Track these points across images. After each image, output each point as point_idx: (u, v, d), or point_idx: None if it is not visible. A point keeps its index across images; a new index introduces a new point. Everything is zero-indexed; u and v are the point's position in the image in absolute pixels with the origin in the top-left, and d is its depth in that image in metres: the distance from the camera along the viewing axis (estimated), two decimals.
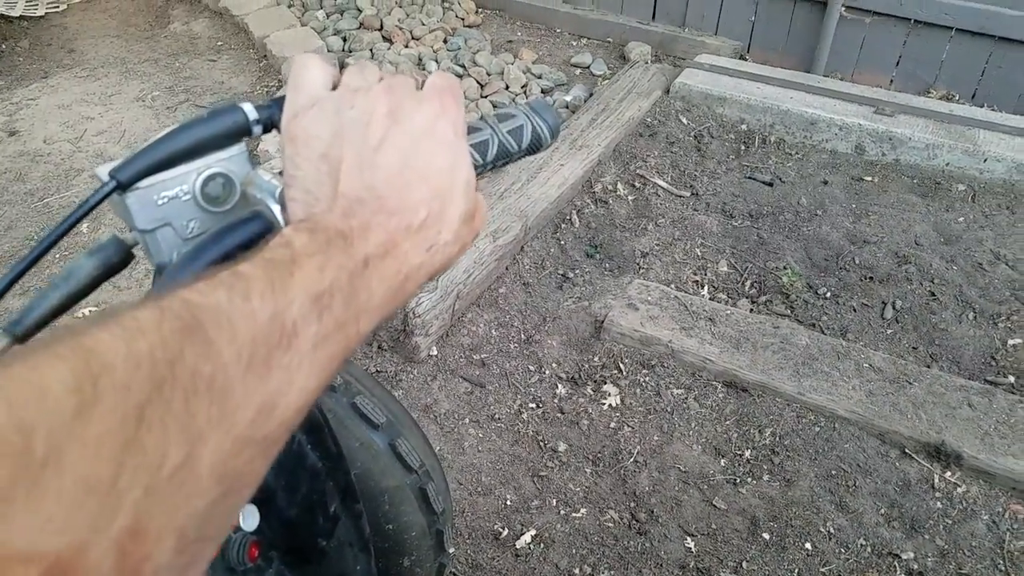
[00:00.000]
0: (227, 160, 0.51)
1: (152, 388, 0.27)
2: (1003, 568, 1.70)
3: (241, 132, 0.51)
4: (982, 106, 3.19)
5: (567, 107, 3.33)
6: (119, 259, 0.52)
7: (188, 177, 0.50)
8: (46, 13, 4.32)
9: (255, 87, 3.58)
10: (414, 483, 1.22)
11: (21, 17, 4.11)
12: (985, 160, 2.79)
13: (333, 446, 0.79)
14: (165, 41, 4.04)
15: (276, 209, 0.49)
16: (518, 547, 1.74)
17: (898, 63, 3.36)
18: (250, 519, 0.64)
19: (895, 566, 1.70)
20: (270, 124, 0.51)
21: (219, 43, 3.97)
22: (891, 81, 3.41)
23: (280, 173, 0.48)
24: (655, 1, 3.83)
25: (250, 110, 0.51)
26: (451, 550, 1.40)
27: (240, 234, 0.49)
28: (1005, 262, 2.47)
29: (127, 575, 0.25)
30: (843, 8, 3.29)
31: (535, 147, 0.65)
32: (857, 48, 3.40)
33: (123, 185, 0.47)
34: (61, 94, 3.51)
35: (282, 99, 0.49)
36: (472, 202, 0.47)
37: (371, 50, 3.71)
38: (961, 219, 2.66)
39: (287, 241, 0.37)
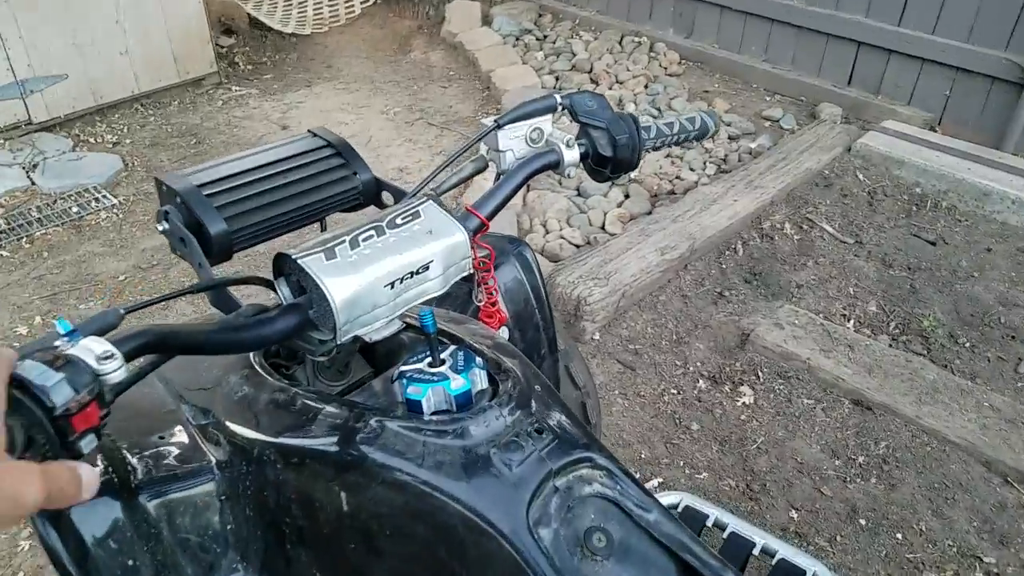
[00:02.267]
0: (541, 122, 1.06)
1: None
2: None
3: (551, 108, 1.06)
4: None
5: (750, 153, 3.82)
6: (484, 166, 1.07)
7: (522, 128, 1.05)
8: (312, 32, 5.40)
9: (477, 112, 4.36)
10: (578, 397, 1.77)
11: (292, 34, 5.20)
12: None
13: (548, 314, 1.36)
14: (406, 66, 4.96)
15: (563, 148, 1.03)
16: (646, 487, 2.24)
17: None
18: (505, 334, 1.16)
19: (976, 566, 2.03)
20: (570, 107, 1.06)
21: (451, 72, 4.83)
22: None
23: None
24: (852, 67, 4.24)
25: (557, 97, 1.06)
26: None
27: (544, 158, 1.03)
28: None
29: None
30: None
31: (703, 131, 1.20)
32: None
33: (500, 125, 1.03)
34: (322, 100, 4.48)
35: (576, 94, 1.07)
36: None
37: (579, 87, 4.39)
38: None
39: None
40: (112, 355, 0.63)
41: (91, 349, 0.63)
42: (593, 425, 1.81)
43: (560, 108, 1.07)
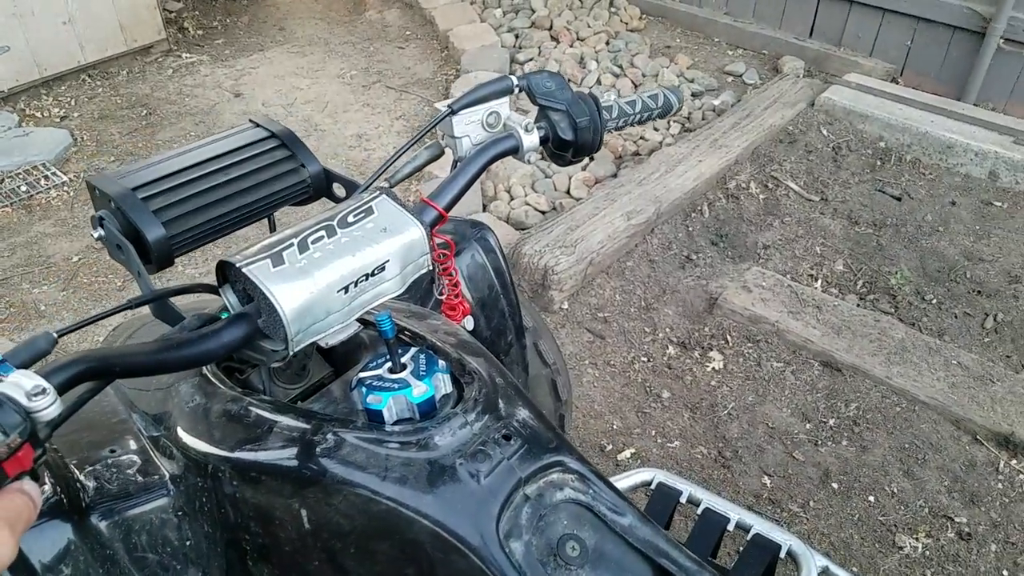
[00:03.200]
0: (497, 105, 1.00)
1: None
2: None
3: (507, 91, 0.99)
4: None
5: (714, 111, 3.73)
6: (439, 153, 1.00)
7: (478, 113, 0.99)
8: None
9: (436, 74, 4.20)
10: (548, 375, 1.70)
11: None
12: None
13: (514, 298, 1.29)
14: (361, 27, 4.76)
15: (522, 133, 0.97)
16: (619, 459, 2.19)
17: None
18: (469, 324, 1.11)
19: (947, 526, 2.02)
20: (527, 89, 0.99)
21: (407, 32, 4.65)
22: None
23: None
24: (814, 19, 4.14)
25: (513, 80, 1.00)
26: (568, 433, 1.86)
27: (502, 144, 0.97)
28: None
29: None
30: (1001, 40, 3.49)
31: (667, 109, 1.13)
32: (1012, 80, 3.58)
33: (453, 111, 0.97)
34: (276, 66, 4.28)
35: (534, 74, 0.99)
36: None
37: (539, 47, 4.24)
38: None
39: None
40: (44, 390, 0.56)
41: (20, 385, 0.55)
42: (564, 402, 1.75)
43: (517, 90, 1.01)
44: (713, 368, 2.47)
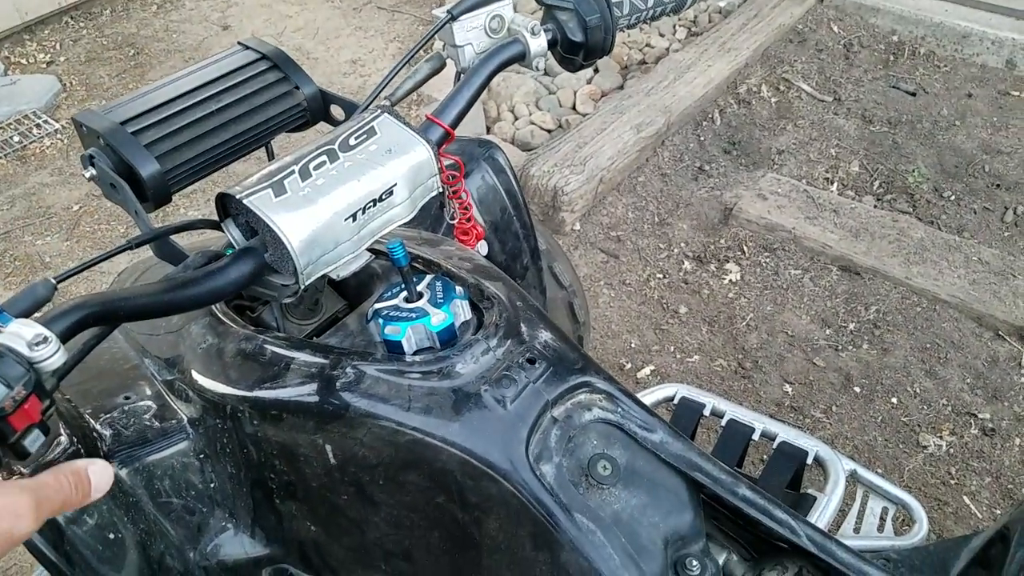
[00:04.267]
0: (502, 7, 0.94)
1: None
2: None
3: None
4: None
5: (720, 12, 3.59)
6: (441, 65, 0.95)
7: (480, 17, 0.93)
8: None
9: None
10: (564, 297, 1.68)
11: None
12: None
13: (528, 220, 1.25)
14: None
15: (528, 37, 0.91)
16: (639, 376, 2.19)
17: None
18: (483, 249, 1.07)
19: (970, 423, 2.02)
20: None
21: None
22: None
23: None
24: None
25: None
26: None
27: (508, 50, 0.91)
28: None
29: None
30: None
31: (680, 3, 1.05)
32: None
33: (453, 17, 0.91)
34: None
35: None
36: None
37: None
38: None
39: None
40: (46, 339, 0.54)
41: (20, 335, 0.53)
42: (581, 323, 1.73)
43: None
44: (730, 280, 2.45)
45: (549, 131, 3.04)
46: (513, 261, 1.27)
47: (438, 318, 0.73)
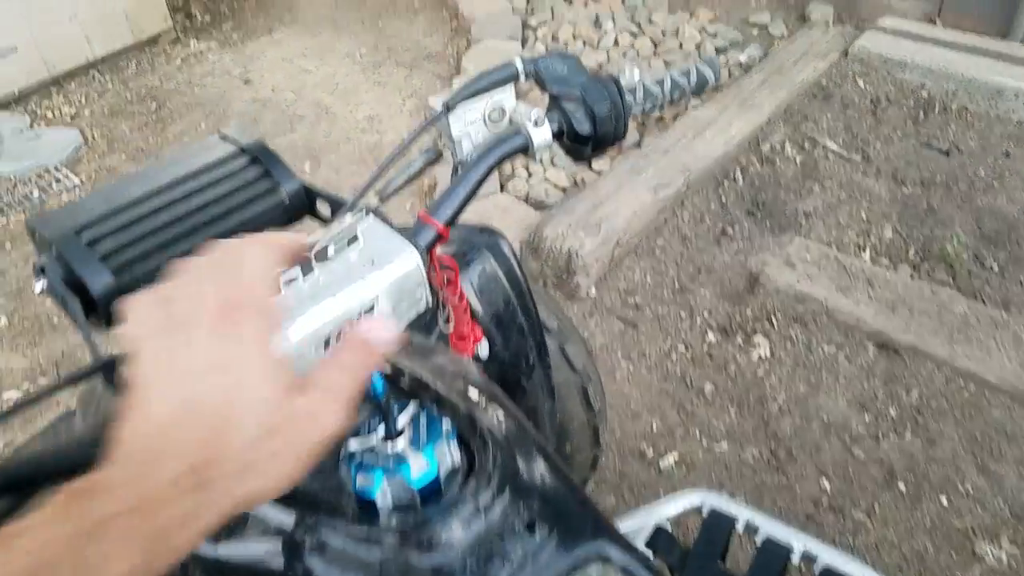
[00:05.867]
0: (501, 96, 0.76)
1: None
2: None
3: (511, 78, 0.76)
4: None
5: (740, 66, 3.33)
6: (437, 156, 0.80)
7: (479, 107, 0.75)
8: None
9: (447, 46, 3.84)
10: (577, 382, 1.42)
11: None
12: None
13: (534, 313, 1.01)
14: (370, 1, 4.39)
15: (531, 128, 0.73)
16: (661, 466, 1.90)
17: None
18: (484, 350, 0.86)
19: None
20: (534, 75, 0.76)
21: (416, 3, 4.27)
22: None
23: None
24: None
25: (518, 64, 0.76)
26: (602, 444, 1.58)
27: (509, 143, 0.73)
28: None
29: None
30: None
31: (702, 84, 0.86)
32: None
33: (450, 108, 0.74)
34: (284, 48, 3.95)
35: (543, 58, 0.74)
36: (276, 415, 0.40)
37: (551, 9, 3.85)
38: None
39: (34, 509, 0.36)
40: None
41: None
42: (597, 411, 1.46)
43: (523, 76, 0.80)
44: (759, 355, 2.16)
45: (564, 189, 2.79)
46: (517, 359, 1.04)
47: (419, 467, 0.60)
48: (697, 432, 1.99)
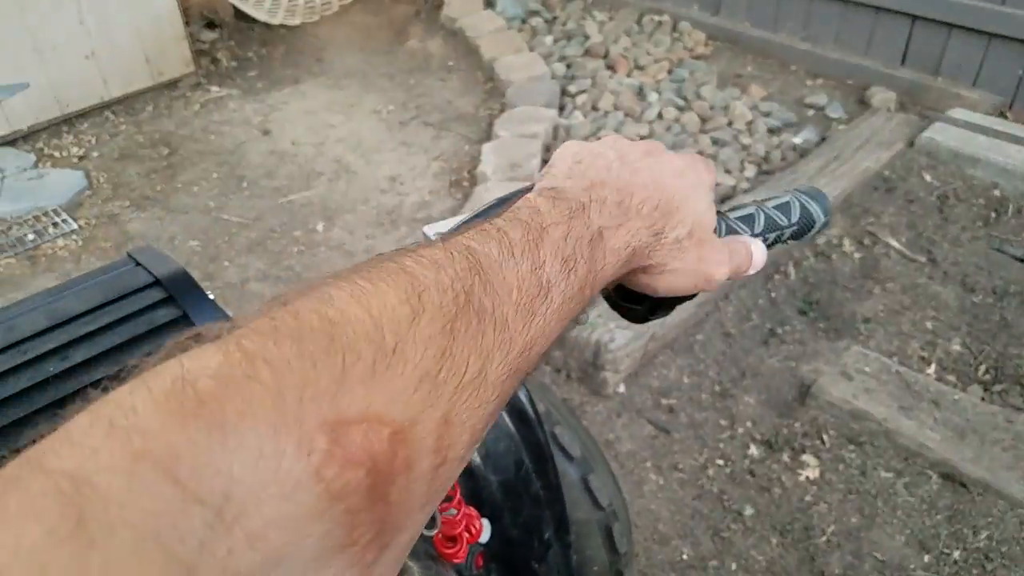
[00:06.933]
0: None
1: (456, 309, 0.34)
2: None
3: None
4: None
5: (795, 150, 3.29)
6: None
7: None
8: (301, 23, 4.89)
9: (479, 108, 3.86)
10: (601, 520, 1.30)
11: (280, 25, 4.70)
12: None
13: (554, 479, 0.89)
14: (402, 57, 4.45)
15: None
16: None
17: None
18: (486, 533, 0.76)
19: None
20: None
21: (450, 63, 4.32)
22: None
23: None
24: (906, 44, 3.67)
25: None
26: None
27: None
28: None
29: (438, 455, 0.32)
30: None
31: (806, 224, 0.65)
32: None
33: (444, 240, 0.61)
34: (309, 100, 3.99)
35: None
36: (703, 234, 0.52)
37: (593, 78, 3.86)
38: None
39: (536, 208, 0.43)
40: None
41: None
42: (623, 554, 1.34)
43: None
44: (807, 477, 2.03)
45: None
46: (528, 536, 0.91)
47: None
48: (733, 564, 1.85)
